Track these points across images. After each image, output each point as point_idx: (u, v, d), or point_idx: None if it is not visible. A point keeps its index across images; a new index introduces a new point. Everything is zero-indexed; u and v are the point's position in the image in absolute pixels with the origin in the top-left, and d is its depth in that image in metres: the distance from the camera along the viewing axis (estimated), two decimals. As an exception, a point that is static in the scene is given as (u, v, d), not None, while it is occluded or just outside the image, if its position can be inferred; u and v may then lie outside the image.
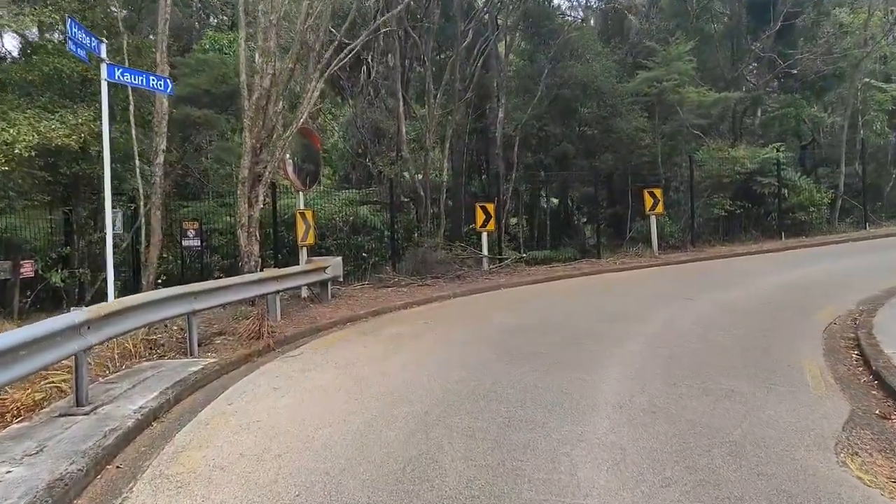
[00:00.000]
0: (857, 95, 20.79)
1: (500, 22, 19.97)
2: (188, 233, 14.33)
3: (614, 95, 19.12)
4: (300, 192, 12.95)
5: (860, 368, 6.38)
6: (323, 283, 11.82)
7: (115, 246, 13.33)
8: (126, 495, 4.17)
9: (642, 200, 17.85)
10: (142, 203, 11.87)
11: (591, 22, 24.81)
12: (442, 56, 20.60)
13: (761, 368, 6.43)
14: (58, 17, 11.61)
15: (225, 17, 25.49)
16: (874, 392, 5.66)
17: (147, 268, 10.94)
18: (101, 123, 8.77)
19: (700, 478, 4.00)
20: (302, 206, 12.87)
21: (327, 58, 11.91)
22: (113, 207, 13.47)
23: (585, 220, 25.07)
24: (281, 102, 11.06)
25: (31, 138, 10.75)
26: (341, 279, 12.78)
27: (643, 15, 21.60)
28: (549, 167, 20.18)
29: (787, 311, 9.36)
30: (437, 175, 17.64)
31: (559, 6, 22.92)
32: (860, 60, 19.93)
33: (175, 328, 8.88)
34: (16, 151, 10.58)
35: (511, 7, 19.89)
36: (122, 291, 11.94)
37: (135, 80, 9.23)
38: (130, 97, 11.59)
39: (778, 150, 19.01)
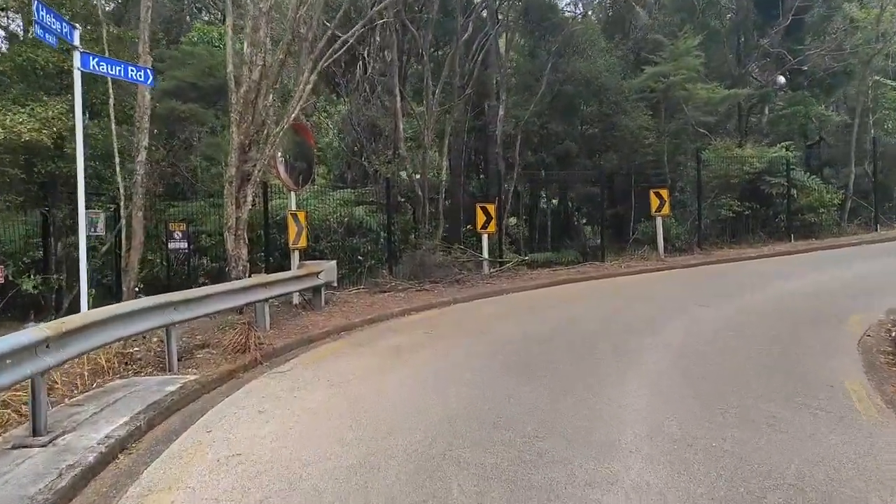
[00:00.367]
0: (867, 93, 20.20)
1: (500, 16, 19.32)
2: (175, 235, 13.60)
3: (619, 92, 18.49)
4: (292, 192, 12.27)
5: (909, 389, 5.77)
6: (316, 289, 11.15)
7: (93, 249, 12.72)
8: (76, 555, 3.51)
9: (646, 201, 17.23)
10: (122, 203, 11.15)
11: (592, 17, 24.16)
12: (440, 53, 19.95)
13: (799, 389, 5.80)
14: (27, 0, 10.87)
15: (217, 13, 24.78)
16: (933, 418, 5.04)
17: (128, 273, 10.23)
18: (74, 117, 8.06)
19: (760, 535, 3.36)
20: (294, 207, 12.19)
21: (320, 48, 11.21)
22: (93, 208, 12.85)
23: (585, 221, 24.45)
24: (271, 96, 10.37)
25: (-6, 133, 9.99)
26: (335, 284, 12.12)
27: (648, 9, 20.96)
28: (551, 166, 19.52)
29: (811, 321, 8.74)
30: (435, 174, 16.98)
31: (561, -1, 22.20)
32: (871, 57, 19.32)
33: (155, 340, 8.19)
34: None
35: (511, 0, 19.23)
36: (104, 298, 11.25)
37: (112, 70, 8.53)
38: (111, 90, 10.86)
39: (787, 150, 18.39)
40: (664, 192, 16.81)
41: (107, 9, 17.29)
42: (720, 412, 5.25)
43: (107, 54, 10.28)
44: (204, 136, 16.25)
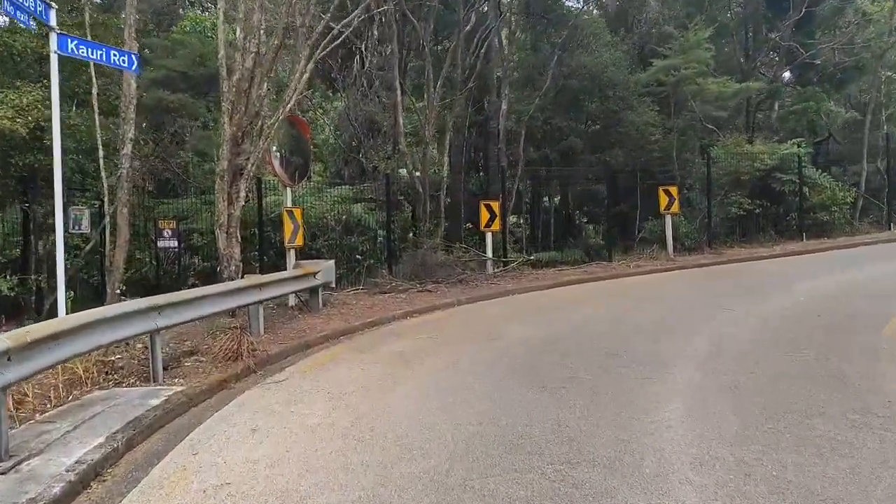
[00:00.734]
0: (880, 88, 19.69)
1: (502, 8, 18.72)
2: (164, 232, 12.98)
3: (625, 87, 17.91)
4: (288, 188, 11.63)
5: (976, 404, 5.19)
6: (313, 290, 10.53)
7: (77, 248, 12.06)
8: None
9: (652, 199, 16.67)
10: (106, 199, 10.49)
11: (594, 11, 23.57)
12: (440, 47, 19.34)
13: (855, 406, 5.20)
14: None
15: (210, 5, 24.12)
16: None
17: (112, 272, 9.58)
18: (51, 104, 7.42)
19: None
20: (290, 204, 11.56)
21: (317, 34, 10.58)
22: (77, 204, 12.19)
23: (587, 220, 23.90)
24: (266, 85, 9.74)
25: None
26: (333, 285, 11.50)
27: (658, 0, 20.40)
28: (555, 163, 18.94)
29: (846, 326, 8.17)
30: (436, 171, 16.37)
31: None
32: (884, 51, 18.82)
33: (139, 346, 7.55)
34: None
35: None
36: (89, 300, 10.60)
37: (93, 54, 7.88)
38: (94, 79, 10.18)
39: (799, 146, 17.86)
40: (673, 190, 16.25)
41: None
42: (773, 433, 4.66)
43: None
44: (195, 130, 15.57)
